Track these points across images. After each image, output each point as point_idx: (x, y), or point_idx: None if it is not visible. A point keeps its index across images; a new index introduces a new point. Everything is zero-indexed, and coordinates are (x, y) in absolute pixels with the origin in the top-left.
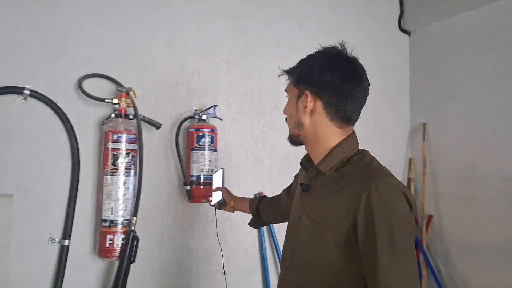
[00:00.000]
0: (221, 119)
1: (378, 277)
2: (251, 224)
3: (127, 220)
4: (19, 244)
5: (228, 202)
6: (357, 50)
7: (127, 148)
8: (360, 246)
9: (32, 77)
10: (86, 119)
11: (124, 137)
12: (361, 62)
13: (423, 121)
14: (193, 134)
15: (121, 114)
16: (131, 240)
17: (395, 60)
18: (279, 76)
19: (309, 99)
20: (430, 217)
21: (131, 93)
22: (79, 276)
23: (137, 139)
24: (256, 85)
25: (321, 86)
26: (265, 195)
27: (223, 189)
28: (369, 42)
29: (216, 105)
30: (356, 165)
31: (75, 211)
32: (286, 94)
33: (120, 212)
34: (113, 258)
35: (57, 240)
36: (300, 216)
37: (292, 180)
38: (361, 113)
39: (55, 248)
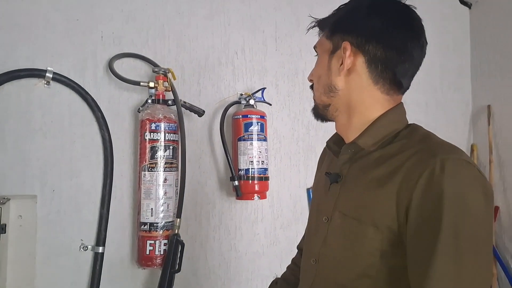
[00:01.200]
0: (270, 104)
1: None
2: None
3: (170, 222)
4: (46, 252)
5: None
6: None
7: (167, 139)
8: (408, 240)
9: (56, 57)
10: (119, 106)
11: (163, 126)
12: None
13: (487, 103)
14: (240, 121)
15: (159, 100)
16: (174, 245)
17: (456, 36)
18: (308, 29)
19: (348, 53)
20: (496, 208)
21: (170, 75)
22: (116, 287)
23: (178, 128)
24: (307, 64)
25: (367, 33)
26: (276, 279)
27: None
28: (427, 16)
29: (264, 88)
30: (408, 139)
31: (110, 212)
32: (315, 53)
33: (161, 214)
34: (155, 267)
35: (89, 247)
36: (329, 215)
37: None
38: (420, 96)
39: (88, 256)
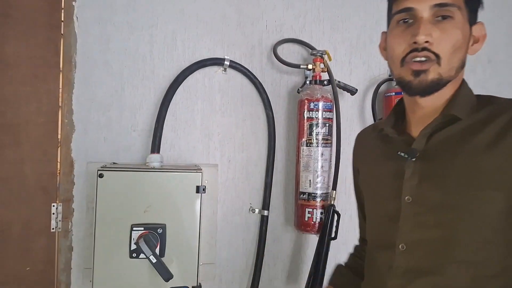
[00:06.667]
0: None
1: None
2: None
3: (325, 193)
4: (224, 212)
5: None
6: None
7: (324, 117)
8: None
9: (231, 47)
10: (280, 88)
11: (321, 105)
12: None
13: None
14: (392, 99)
15: (316, 81)
16: (331, 215)
17: None
18: None
19: (484, 32)
20: None
21: (326, 57)
22: (278, 246)
23: (333, 106)
24: None
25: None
26: (340, 267)
27: None
28: None
29: None
30: (494, 104)
31: (273, 181)
32: (444, 13)
33: (319, 185)
34: (313, 233)
35: (257, 210)
36: (413, 195)
37: None
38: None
39: (256, 217)
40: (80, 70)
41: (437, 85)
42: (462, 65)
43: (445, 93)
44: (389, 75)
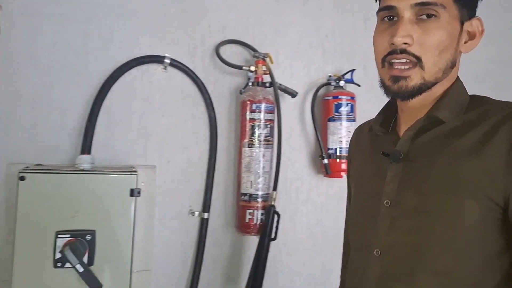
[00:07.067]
0: (359, 85)
1: None
2: None
3: (266, 194)
4: (162, 215)
5: None
6: None
7: (265, 118)
8: None
9: (172, 45)
10: (223, 88)
11: (263, 106)
12: None
13: None
14: (330, 102)
15: (258, 82)
16: (271, 216)
17: None
18: None
19: (481, 29)
20: None
21: (268, 60)
22: (217, 249)
23: (275, 108)
24: None
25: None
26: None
27: None
28: None
29: (353, 70)
30: (485, 106)
31: (214, 183)
32: (431, 12)
33: (260, 186)
34: (253, 234)
35: (197, 213)
36: (392, 198)
37: None
38: None
39: (195, 220)
40: (3, 64)
41: (419, 90)
42: (451, 66)
43: (434, 92)
44: (328, 80)
